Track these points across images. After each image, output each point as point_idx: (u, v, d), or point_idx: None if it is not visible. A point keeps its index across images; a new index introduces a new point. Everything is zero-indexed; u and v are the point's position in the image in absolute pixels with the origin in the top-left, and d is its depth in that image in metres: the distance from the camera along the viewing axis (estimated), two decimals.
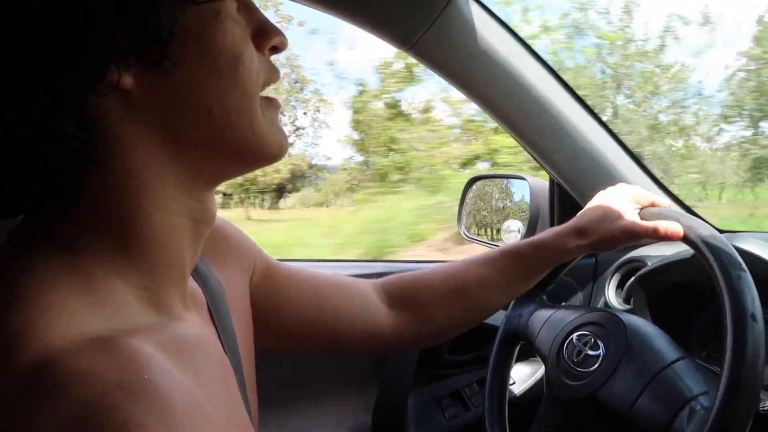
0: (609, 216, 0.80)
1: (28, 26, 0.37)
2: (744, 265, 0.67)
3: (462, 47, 0.97)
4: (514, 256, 0.83)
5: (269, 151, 0.49)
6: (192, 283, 0.55)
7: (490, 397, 0.95)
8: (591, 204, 0.85)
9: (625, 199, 0.83)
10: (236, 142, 0.47)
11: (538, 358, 1.03)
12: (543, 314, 0.91)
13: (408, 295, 0.82)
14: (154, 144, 0.44)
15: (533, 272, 0.84)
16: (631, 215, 0.80)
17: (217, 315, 0.57)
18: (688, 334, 1.04)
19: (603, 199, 0.84)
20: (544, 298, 0.96)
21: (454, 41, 0.96)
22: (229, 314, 0.60)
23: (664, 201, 0.84)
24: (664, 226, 0.76)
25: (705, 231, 0.73)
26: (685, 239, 0.75)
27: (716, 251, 0.69)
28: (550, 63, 1.02)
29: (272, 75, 0.50)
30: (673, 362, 0.74)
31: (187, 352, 0.44)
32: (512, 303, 0.96)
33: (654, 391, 0.72)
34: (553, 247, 0.82)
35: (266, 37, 0.49)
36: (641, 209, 0.82)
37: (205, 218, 0.50)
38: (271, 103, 0.50)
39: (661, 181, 1.14)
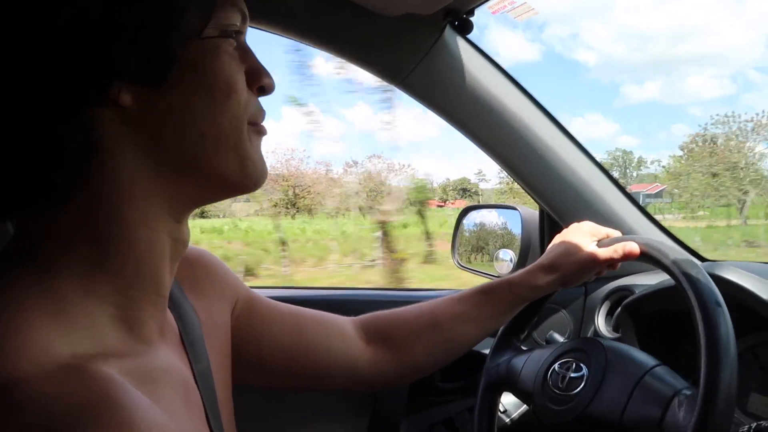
0: (571, 250, 0.87)
1: (48, 38, 0.42)
2: (697, 261, 0.72)
3: (450, 81, 1.02)
4: (487, 293, 0.87)
5: (248, 181, 0.53)
6: (166, 312, 0.57)
7: None
8: (554, 242, 0.91)
9: (582, 233, 0.89)
10: (221, 166, 0.51)
11: None
12: (520, 359, 0.95)
13: (385, 332, 0.85)
14: (144, 159, 0.47)
15: (506, 308, 0.89)
16: (590, 247, 0.87)
17: (189, 343, 0.58)
18: (675, 363, 1.04)
19: (563, 236, 0.91)
20: (519, 345, 0.99)
21: (443, 76, 1.01)
22: (203, 342, 0.61)
23: (617, 233, 0.90)
24: (621, 246, 0.83)
25: (663, 246, 0.77)
26: (644, 255, 0.80)
27: (678, 263, 0.74)
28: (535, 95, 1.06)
29: (258, 113, 0.54)
30: (653, 367, 0.78)
31: (150, 382, 0.45)
32: (489, 354, 0.99)
33: (641, 395, 0.75)
34: (523, 284, 0.87)
35: (257, 77, 0.53)
36: (599, 241, 0.89)
37: (182, 239, 0.53)
38: (259, 131, 0.55)
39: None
